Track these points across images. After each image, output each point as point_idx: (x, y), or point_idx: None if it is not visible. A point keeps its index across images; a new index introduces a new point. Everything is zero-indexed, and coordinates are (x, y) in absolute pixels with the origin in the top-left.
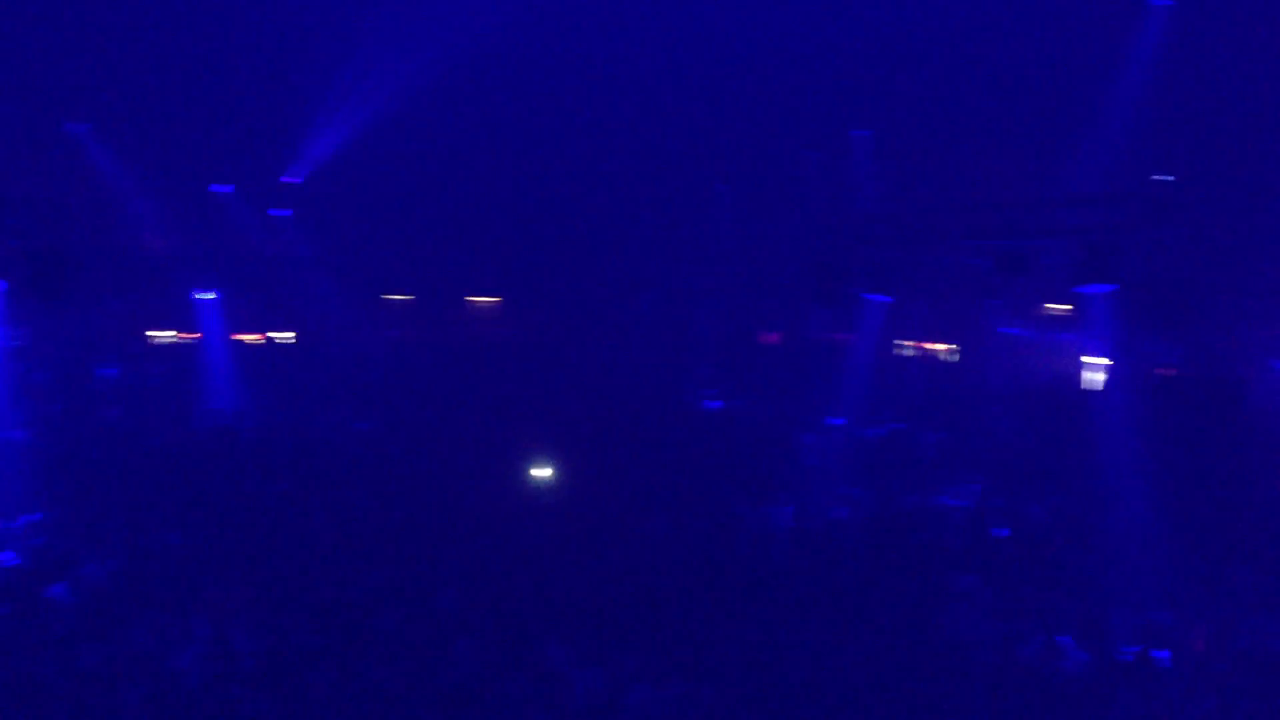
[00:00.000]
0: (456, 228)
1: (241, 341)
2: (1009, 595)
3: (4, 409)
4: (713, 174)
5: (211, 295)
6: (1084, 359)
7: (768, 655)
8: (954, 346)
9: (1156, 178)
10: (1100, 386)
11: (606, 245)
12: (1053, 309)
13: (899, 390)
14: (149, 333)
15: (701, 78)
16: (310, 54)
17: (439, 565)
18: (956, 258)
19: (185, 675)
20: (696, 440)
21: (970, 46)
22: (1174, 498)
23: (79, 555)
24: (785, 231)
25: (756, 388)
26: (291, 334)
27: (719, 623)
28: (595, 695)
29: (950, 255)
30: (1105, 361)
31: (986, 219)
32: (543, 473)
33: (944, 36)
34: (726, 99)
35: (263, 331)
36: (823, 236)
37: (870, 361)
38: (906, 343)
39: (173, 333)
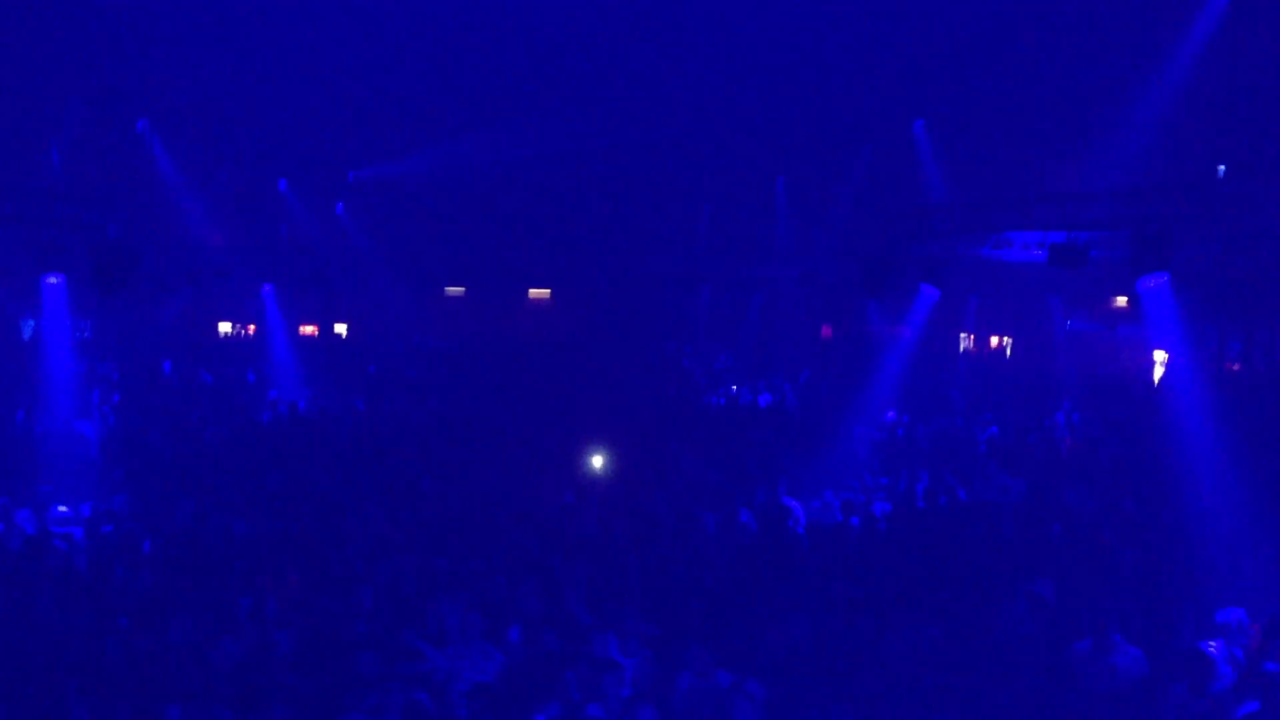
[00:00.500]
0: (512, 222)
1: (300, 334)
2: (1066, 593)
3: (70, 399)
4: (770, 167)
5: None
6: (1153, 354)
7: (816, 648)
8: (1008, 340)
9: (1219, 167)
10: (1166, 380)
11: (663, 240)
12: (1118, 303)
13: (956, 384)
14: (218, 324)
15: (757, 71)
16: (366, 54)
17: (493, 554)
18: (1014, 250)
19: (228, 660)
20: (746, 432)
21: (1026, 34)
22: (1243, 493)
23: (140, 542)
24: (840, 224)
25: (812, 381)
26: (344, 326)
27: (767, 615)
28: (643, 682)
29: (1008, 247)
30: (1168, 356)
31: (1043, 211)
32: (597, 461)
33: (997, 24)
34: (782, 91)
35: (318, 324)
36: (878, 229)
37: (927, 356)
38: (966, 336)
39: (231, 325)
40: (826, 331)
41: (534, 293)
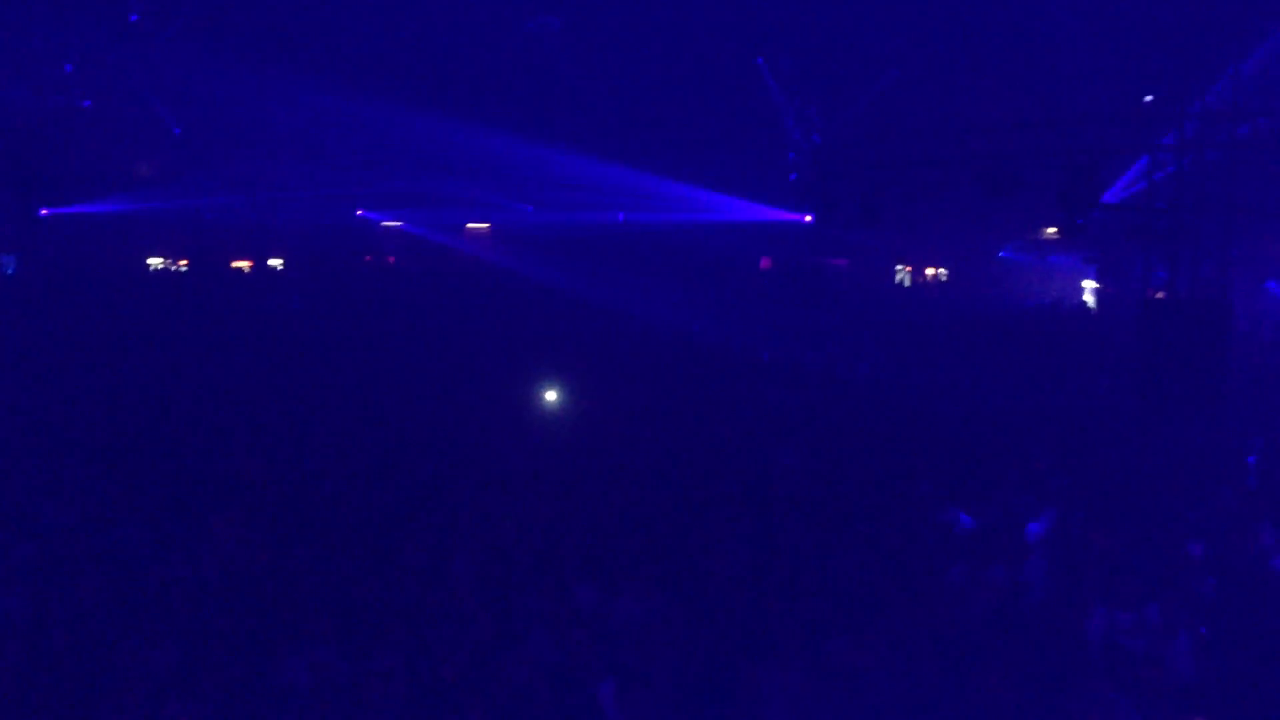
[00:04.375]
0: None
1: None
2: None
3: None
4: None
5: None
6: (1081, 283)
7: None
8: (943, 271)
9: (1146, 98)
10: (1093, 308)
11: None
12: (1048, 233)
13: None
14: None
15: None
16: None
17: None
18: (946, 181)
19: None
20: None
21: None
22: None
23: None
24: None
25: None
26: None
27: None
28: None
29: (940, 178)
30: (1096, 285)
31: (974, 141)
32: (550, 396)
33: None
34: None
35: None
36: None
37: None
38: (903, 268)
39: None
40: (765, 263)
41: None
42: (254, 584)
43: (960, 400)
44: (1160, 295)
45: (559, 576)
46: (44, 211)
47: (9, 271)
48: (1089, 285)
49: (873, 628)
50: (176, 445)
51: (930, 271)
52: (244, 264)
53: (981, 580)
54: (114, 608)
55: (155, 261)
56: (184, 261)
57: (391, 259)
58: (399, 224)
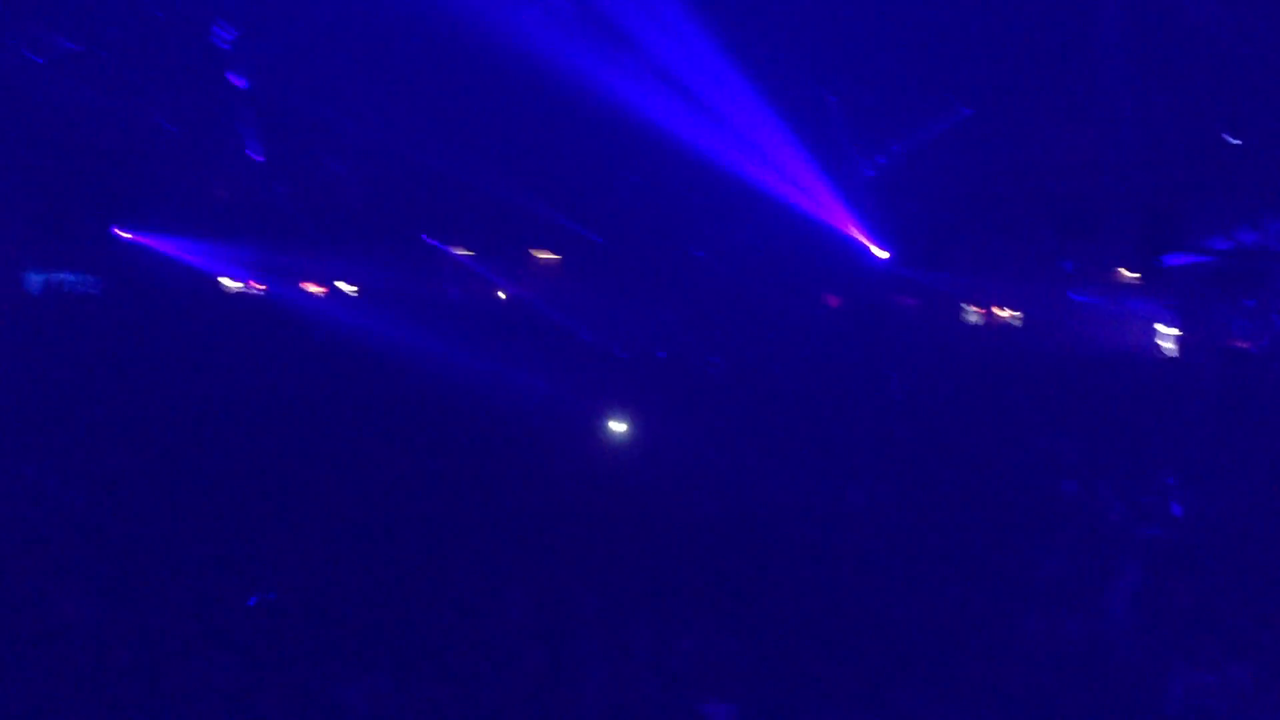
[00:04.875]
0: None
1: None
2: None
3: None
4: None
5: None
6: (1156, 328)
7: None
8: (1014, 313)
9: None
10: (1172, 356)
11: None
12: (1124, 276)
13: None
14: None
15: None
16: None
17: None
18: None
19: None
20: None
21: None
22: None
23: None
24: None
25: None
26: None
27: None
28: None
29: (1013, 217)
30: (1176, 332)
31: (1050, 180)
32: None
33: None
34: None
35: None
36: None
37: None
38: (971, 308)
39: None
40: (833, 301)
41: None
42: (315, 609)
43: (1034, 446)
44: (1242, 344)
45: (618, 612)
46: (122, 233)
47: (91, 291)
48: (1166, 332)
49: (941, 678)
50: (246, 469)
51: (1000, 313)
52: (316, 288)
53: (1058, 633)
54: (179, 628)
55: (229, 283)
56: (258, 284)
57: (454, 290)
58: (467, 253)
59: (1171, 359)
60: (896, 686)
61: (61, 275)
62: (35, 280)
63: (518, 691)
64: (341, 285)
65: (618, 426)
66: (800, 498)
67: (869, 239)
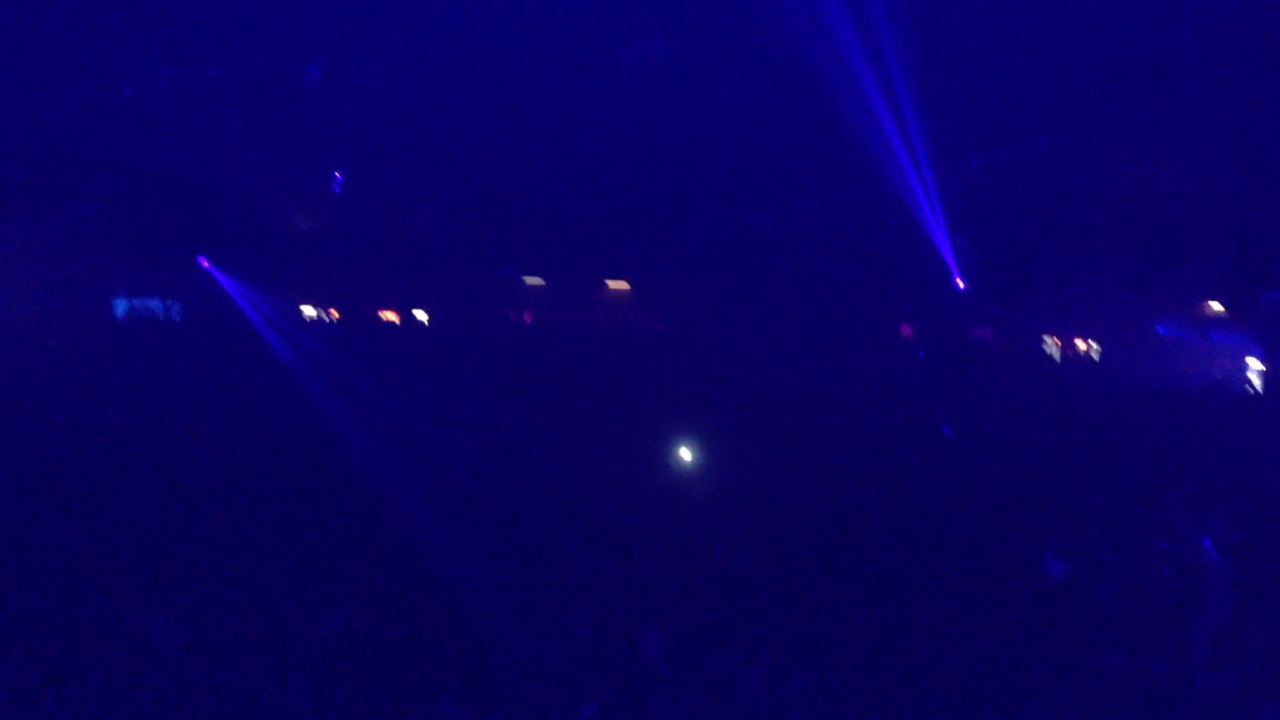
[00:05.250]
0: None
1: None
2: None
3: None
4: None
5: None
6: (1247, 361)
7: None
8: (1095, 345)
9: None
10: (1262, 391)
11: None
12: (1212, 309)
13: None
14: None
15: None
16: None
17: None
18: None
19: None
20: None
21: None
22: None
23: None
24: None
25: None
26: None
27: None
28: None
29: (1097, 246)
30: (1263, 367)
31: (1136, 208)
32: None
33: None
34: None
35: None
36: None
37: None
38: (1050, 338)
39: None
40: (906, 330)
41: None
42: (388, 638)
43: (1115, 481)
44: None
45: (695, 645)
46: (203, 261)
47: (175, 317)
48: (1256, 366)
49: (1025, 716)
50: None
51: (1081, 345)
52: (391, 315)
53: (1142, 670)
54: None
55: (308, 310)
56: (335, 311)
57: (528, 316)
58: (539, 281)
59: (1262, 394)
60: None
61: (148, 301)
62: (121, 305)
63: None
64: (418, 313)
65: (689, 454)
66: (882, 525)
67: (951, 267)
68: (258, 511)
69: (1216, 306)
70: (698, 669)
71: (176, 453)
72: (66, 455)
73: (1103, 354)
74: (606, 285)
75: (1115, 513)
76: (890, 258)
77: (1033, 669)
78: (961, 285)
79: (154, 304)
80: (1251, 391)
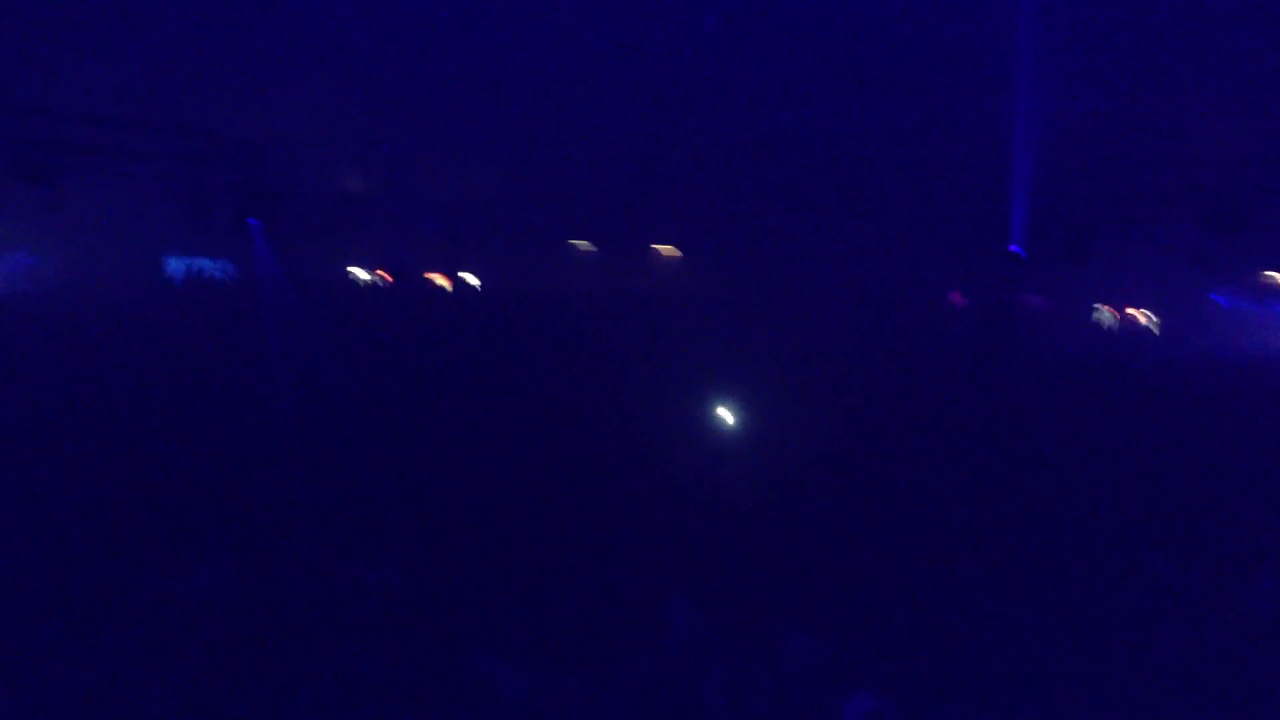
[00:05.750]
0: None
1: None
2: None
3: None
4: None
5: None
6: None
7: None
8: (1150, 314)
9: None
10: None
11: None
12: (1271, 277)
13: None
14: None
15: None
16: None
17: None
18: (1162, 216)
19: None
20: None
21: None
22: None
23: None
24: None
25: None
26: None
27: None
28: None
29: (1156, 213)
30: None
31: (1197, 174)
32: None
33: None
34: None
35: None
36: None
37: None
38: (1104, 308)
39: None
40: (957, 298)
41: (661, 248)
42: (426, 592)
43: (1171, 451)
44: None
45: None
46: (252, 221)
47: (227, 277)
48: None
49: (1085, 687)
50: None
51: (1134, 313)
52: (442, 279)
53: (1201, 640)
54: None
55: (358, 272)
56: (385, 273)
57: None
58: (590, 246)
59: None
60: (1038, 695)
61: (200, 261)
62: (176, 265)
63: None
64: (467, 276)
65: (730, 417)
66: (927, 499)
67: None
68: (297, 470)
69: (1276, 275)
70: (731, 639)
71: (226, 407)
72: (120, 412)
73: (1160, 324)
74: (658, 251)
75: (1174, 480)
76: (948, 221)
77: (1094, 641)
78: (1023, 254)
79: (204, 264)
80: None
